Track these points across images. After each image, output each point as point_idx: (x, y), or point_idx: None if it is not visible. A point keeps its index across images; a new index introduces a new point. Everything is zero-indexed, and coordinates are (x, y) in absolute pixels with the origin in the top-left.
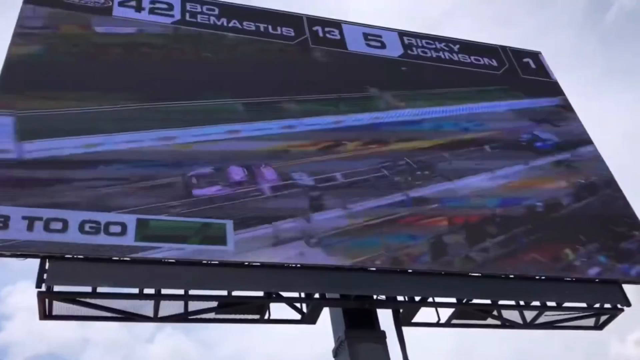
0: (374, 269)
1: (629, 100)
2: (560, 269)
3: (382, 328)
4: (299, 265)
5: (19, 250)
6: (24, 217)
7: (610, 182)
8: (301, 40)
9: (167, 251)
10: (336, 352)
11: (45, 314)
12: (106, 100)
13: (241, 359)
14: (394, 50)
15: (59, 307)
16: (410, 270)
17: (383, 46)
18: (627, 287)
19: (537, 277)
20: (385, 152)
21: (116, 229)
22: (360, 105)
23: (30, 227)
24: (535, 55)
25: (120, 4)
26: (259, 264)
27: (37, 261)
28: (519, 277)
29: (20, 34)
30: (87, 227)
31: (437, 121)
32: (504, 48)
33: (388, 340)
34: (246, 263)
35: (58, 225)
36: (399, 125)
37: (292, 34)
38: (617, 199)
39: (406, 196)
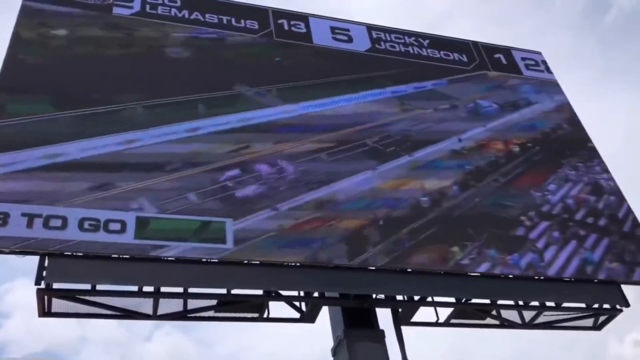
0: (374, 268)
1: (628, 100)
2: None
3: (381, 327)
4: (298, 264)
5: (19, 247)
6: (23, 214)
7: (498, 165)
8: (265, 33)
9: (167, 249)
10: (335, 351)
11: (44, 311)
12: None
13: (240, 358)
14: (361, 44)
15: (58, 304)
16: (409, 270)
17: (350, 40)
18: (625, 288)
19: (535, 277)
20: (252, 159)
21: (115, 226)
22: (224, 106)
23: (29, 224)
24: (508, 51)
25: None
26: (258, 262)
27: (36, 258)
28: (518, 277)
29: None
30: (86, 225)
31: (313, 118)
32: (475, 43)
33: (387, 340)
34: (245, 261)
35: (57, 223)
36: (270, 126)
37: (256, 26)
38: (505, 184)
39: (276, 210)
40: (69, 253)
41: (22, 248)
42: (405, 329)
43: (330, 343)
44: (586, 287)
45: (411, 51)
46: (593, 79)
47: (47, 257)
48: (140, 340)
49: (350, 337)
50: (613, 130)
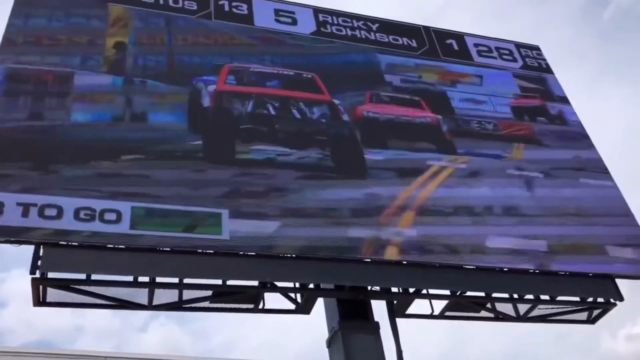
0: (369, 260)
1: (626, 96)
2: None
3: (375, 319)
4: (294, 256)
5: (14, 237)
6: (18, 204)
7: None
8: (204, 14)
9: (162, 239)
10: (330, 343)
11: (39, 301)
12: None
13: (234, 349)
14: (305, 27)
15: (52, 294)
16: (404, 262)
17: (294, 22)
18: (619, 282)
19: (530, 271)
20: None
21: (111, 216)
22: None
23: (25, 214)
24: (460, 37)
25: None
26: (253, 253)
27: (31, 248)
28: (513, 270)
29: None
30: (82, 214)
31: None
32: (427, 28)
33: (382, 331)
34: (241, 252)
35: (53, 212)
36: None
37: (195, 7)
38: None
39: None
40: (64, 242)
41: (17, 237)
42: (400, 321)
43: (325, 334)
44: (581, 281)
45: (358, 35)
46: (592, 74)
47: (42, 247)
48: (135, 330)
49: (345, 328)
50: (611, 126)
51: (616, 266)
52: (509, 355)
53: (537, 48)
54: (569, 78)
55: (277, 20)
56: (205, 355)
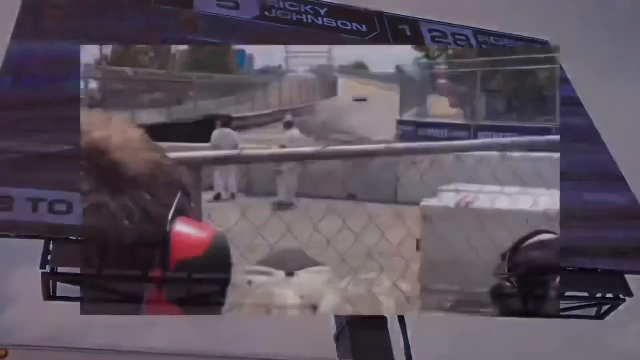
0: None
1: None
2: None
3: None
4: None
5: (24, 232)
6: (28, 199)
7: None
8: None
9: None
10: (337, 337)
11: (49, 295)
12: None
13: (241, 343)
14: (248, 11)
15: (62, 288)
16: None
17: (237, 6)
18: (629, 278)
19: None
20: None
21: None
22: None
23: (34, 209)
24: (414, 23)
25: None
26: None
27: (41, 242)
28: None
29: None
30: None
31: None
32: (379, 13)
33: (389, 327)
34: None
35: (62, 207)
36: None
37: None
38: None
39: None
40: (74, 237)
41: (27, 232)
42: (407, 317)
43: (332, 329)
44: (589, 277)
45: (305, 20)
46: (603, 67)
47: (51, 241)
48: (145, 325)
49: (352, 323)
50: (622, 119)
51: (625, 263)
52: (515, 350)
53: (545, 42)
54: (580, 71)
55: (219, 5)
56: (213, 348)
